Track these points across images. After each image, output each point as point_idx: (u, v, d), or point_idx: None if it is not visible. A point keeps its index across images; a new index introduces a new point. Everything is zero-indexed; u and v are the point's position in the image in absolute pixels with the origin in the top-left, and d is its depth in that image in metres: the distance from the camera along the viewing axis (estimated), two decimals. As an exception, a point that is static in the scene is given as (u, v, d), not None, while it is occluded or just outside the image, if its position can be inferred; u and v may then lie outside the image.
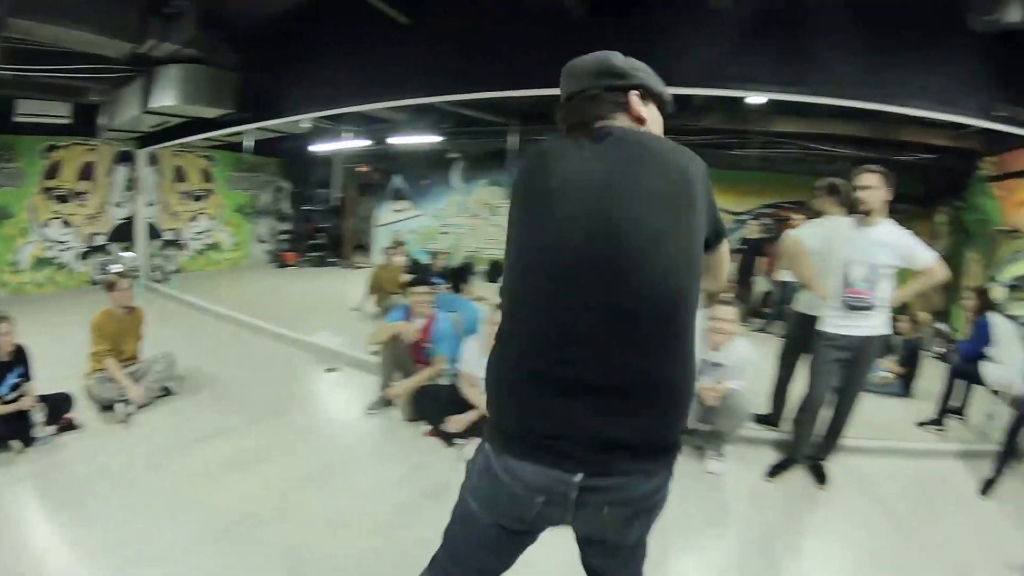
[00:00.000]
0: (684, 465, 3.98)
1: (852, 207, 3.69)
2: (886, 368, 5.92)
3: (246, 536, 2.90)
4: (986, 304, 5.24)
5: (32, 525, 2.95)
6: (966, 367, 5.05)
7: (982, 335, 4.98)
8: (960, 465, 4.43)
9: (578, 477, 1.37)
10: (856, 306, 3.61)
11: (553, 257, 1.41)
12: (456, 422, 4.03)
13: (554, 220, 1.42)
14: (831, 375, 3.77)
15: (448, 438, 4.04)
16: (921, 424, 5.06)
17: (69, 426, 3.88)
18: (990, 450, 4.25)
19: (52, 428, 3.73)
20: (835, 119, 6.75)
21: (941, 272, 3.66)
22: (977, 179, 7.48)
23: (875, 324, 3.65)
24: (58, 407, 3.86)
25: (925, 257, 3.62)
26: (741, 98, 5.85)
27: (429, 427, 4.21)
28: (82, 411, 4.01)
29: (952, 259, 7.73)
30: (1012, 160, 6.89)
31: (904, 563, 3.18)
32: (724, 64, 4.27)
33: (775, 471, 3.99)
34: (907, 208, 8.33)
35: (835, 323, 3.69)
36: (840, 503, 3.78)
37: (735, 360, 3.99)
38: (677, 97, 1.70)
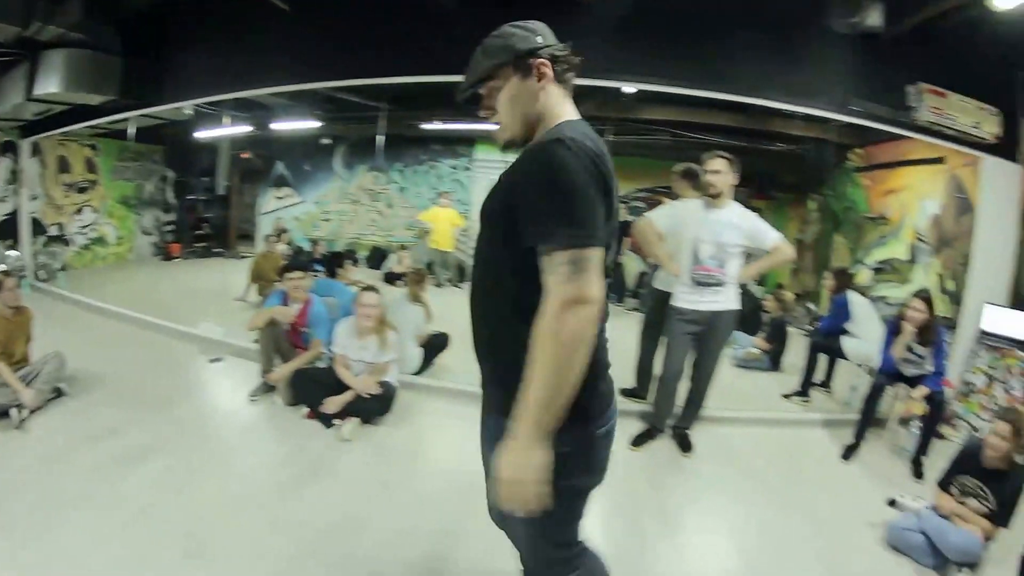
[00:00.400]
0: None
1: (704, 190, 3.96)
2: (754, 344, 6.33)
3: (146, 526, 2.95)
4: (844, 284, 5.64)
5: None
6: (825, 342, 5.49)
7: (841, 312, 5.43)
8: (824, 433, 4.78)
9: None
10: (705, 282, 3.88)
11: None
12: (332, 403, 4.13)
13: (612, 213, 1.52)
14: (685, 347, 4.03)
15: (326, 419, 4.14)
16: (786, 396, 5.45)
17: (-36, 435, 3.74)
18: (852, 418, 4.57)
19: (-53, 439, 3.61)
20: (706, 109, 7.07)
21: (787, 251, 3.98)
22: (845, 170, 8.04)
23: (724, 299, 3.92)
24: (-48, 417, 3.74)
25: (771, 237, 3.92)
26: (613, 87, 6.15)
27: (308, 409, 4.31)
28: (-25, 419, 3.91)
29: (822, 244, 8.33)
30: (878, 152, 7.49)
31: (767, 524, 3.40)
32: (595, 55, 4.51)
33: (639, 440, 4.25)
34: (781, 196, 8.92)
35: (686, 299, 3.95)
36: (704, 469, 4.03)
37: None
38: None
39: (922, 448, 4.18)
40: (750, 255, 4.00)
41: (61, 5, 5.35)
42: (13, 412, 3.95)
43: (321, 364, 4.60)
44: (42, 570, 2.58)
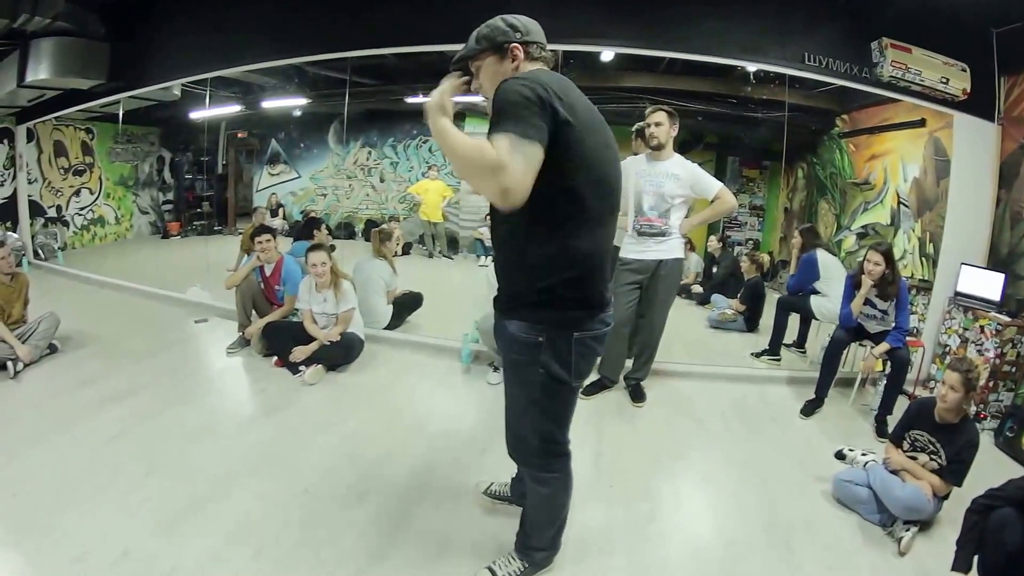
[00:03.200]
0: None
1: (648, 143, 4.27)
2: (729, 306, 6.64)
3: (116, 450, 3.47)
4: (811, 242, 5.81)
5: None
6: (792, 300, 5.72)
7: (808, 270, 5.62)
8: (788, 391, 4.96)
9: None
10: (647, 232, 4.20)
11: (613, 184, 2.06)
12: (299, 352, 4.63)
13: (609, 151, 2.03)
14: (630, 297, 4.31)
15: (293, 367, 4.64)
16: (756, 355, 5.69)
17: (-34, 386, 4.30)
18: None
19: (-53, 388, 4.17)
20: (686, 76, 7.37)
21: (729, 200, 4.23)
22: (831, 136, 8.24)
23: (667, 249, 4.22)
24: (-45, 370, 4.31)
25: (712, 187, 4.19)
26: (593, 55, 6.45)
27: (276, 358, 4.82)
28: (-26, 372, 4.45)
29: (808, 211, 8.57)
30: (862, 117, 7.68)
31: (708, 473, 3.58)
32: (544, 18, 4.83)
33: (590, 390, 4.53)
34: (771, 164, 9.12)
35: (630, 249, 4.28)
36: (653, 419, 4.28)
37: None
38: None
39: (886, 406, 4.27)
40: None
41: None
42: (9, 365, 4.53)
43: (296, 319, 5.06)
44: (26, 481, 3.09)
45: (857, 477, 3.25)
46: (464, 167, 1.75)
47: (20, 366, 4.57)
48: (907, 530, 2.95)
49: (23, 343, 4.67)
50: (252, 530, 2.78)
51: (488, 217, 2.18)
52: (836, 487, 3.32)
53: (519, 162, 1.66)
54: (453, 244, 10.42)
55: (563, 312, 2.02)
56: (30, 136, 9.48)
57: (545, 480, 2.35)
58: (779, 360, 5.65)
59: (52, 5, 5.91)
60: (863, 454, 3.40)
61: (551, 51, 2.10)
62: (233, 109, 10.40)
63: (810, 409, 4.53)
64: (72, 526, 2.74)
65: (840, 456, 3.47)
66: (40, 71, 6.51)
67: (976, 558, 2.52)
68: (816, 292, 5.61)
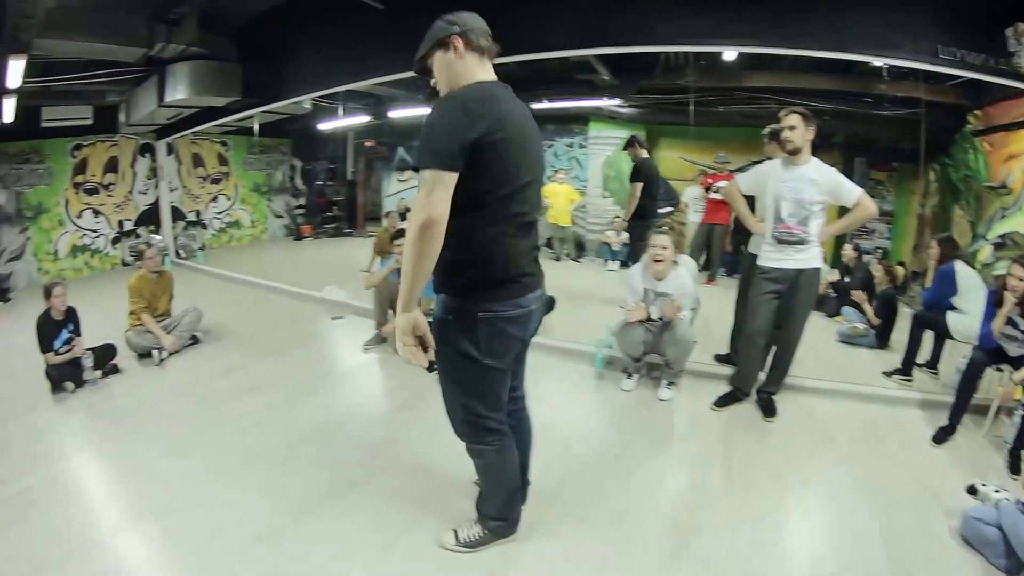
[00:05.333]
0: (639, 392, 4.63)
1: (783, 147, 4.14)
2: (860, 319, 6.33)
3: (254, 437, 3.76)
4: (950, 253, 5.36)
5: (84, 439, 3.88)
6: (928, 316, 5.32)
7: (945, 284, 5.18)
8: (919, 414, 4.61)
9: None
10: (787, 240, 4.08)
11: (533, 182, 2.31)
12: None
13: (531, 153, 2.28)
14: (768, 306, 4.21)
15: (429, 364, 4.71)
16: (887, 374, 5.33)
17: (113, 370, 4.90)
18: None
19: (98, 373, 4.74)
20: (810, 73, 7.13)
21: (869, 207, 4.01)
22: (964, 134, 7.55)
23: (807, 258, 4.09)
24: (104, 355, 4.88)
25: (852, 193, 4.01)
26: (715, 55, 6.44)
27: (413, 356, 5.00)
28: (124, 359, 4.97)
29: (941, 217, 7.97)
30: (997, 113, 7.03)
31: (834, 494, 3.46)
32: (665, 21, 4.82)
33: (722, 402, 4.48)
34: (901, 166, 8.52)
35: (769, 257, 4.18)
36: (782, 435, 4.14)
37: (677, 289, 4.44)
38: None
39: (1022, 440, 3.78)
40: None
41: (179, 26, 6.41)
42: (155, 353, 5.08)
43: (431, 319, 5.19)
44: (168, 460, 3.43)
45: (988, 516, 2.94)
46: (421, 248, 2.04)
47: (165, 354, 5.09)
48: (1034, 581, 2.67)
49: (168, 334, 5.16)
50: (384, 522, 2.93)
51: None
52: (965, 524, 3.02)
53: (439, 196, 2.00)
54: (580, 247, 10.49)
55: (468, 293, 2.26)
56: (169, 150, 10.55)
57: (477, 452, 2.58)
58: (911, 380, 5.25)
59: (186, 34, 6.46)
60: (996, 491, 3.09)
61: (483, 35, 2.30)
62: (361, 119, 11.01)
63: (942, 436, 4.15)
64: (210, 505, 2.99)
65: (972, 491, 3.17)
66: (178, 92, 7.08)
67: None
68: (953, 308, 5.15)
